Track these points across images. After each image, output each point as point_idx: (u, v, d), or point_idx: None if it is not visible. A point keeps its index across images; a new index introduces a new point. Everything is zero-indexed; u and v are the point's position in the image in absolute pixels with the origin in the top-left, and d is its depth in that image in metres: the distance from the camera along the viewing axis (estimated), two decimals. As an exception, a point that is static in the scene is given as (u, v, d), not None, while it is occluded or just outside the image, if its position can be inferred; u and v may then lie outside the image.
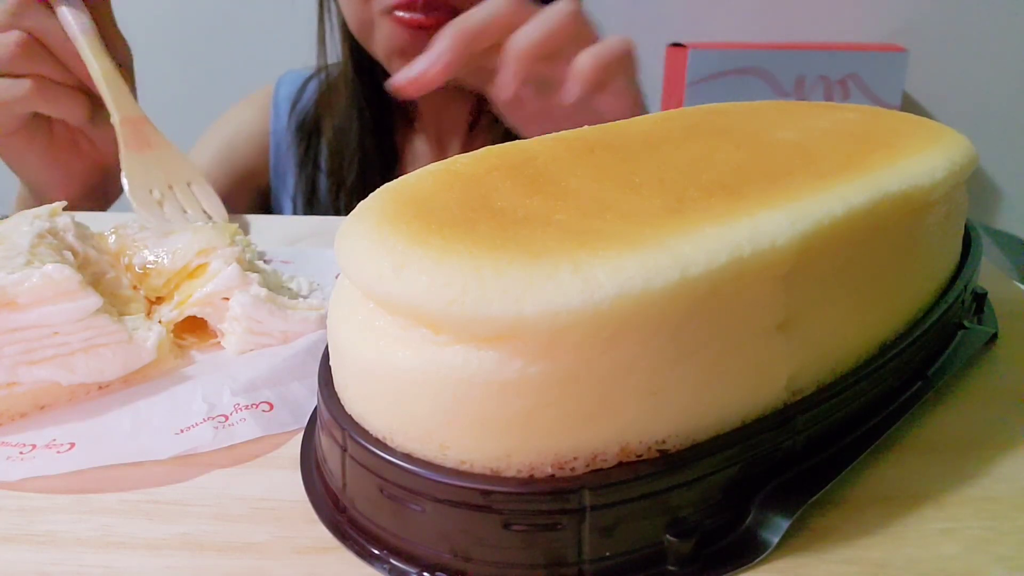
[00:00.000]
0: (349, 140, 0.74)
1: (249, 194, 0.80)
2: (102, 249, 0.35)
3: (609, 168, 0.26)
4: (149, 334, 0.31)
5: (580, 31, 0.47)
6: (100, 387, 0.31)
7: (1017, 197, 1.39)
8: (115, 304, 0.33)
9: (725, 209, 0.23)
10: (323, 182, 0.76)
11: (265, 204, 0.82)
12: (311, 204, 0.77)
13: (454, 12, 0.64)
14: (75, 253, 0.33)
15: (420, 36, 0.64)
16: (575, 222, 0.22)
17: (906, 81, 1.24)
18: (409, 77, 0.45)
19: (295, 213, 0.78)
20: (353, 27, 0.69)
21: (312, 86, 0.77)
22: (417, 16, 0.63)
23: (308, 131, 0.77)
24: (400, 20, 0.64)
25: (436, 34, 0.64)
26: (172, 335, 0.33)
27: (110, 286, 0.34)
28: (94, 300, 0.29)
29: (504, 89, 0.46)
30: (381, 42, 0.67)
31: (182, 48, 1.27)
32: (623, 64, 0.48)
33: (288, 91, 0.80)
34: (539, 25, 0.45)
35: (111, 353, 0.30)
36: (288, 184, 0.79)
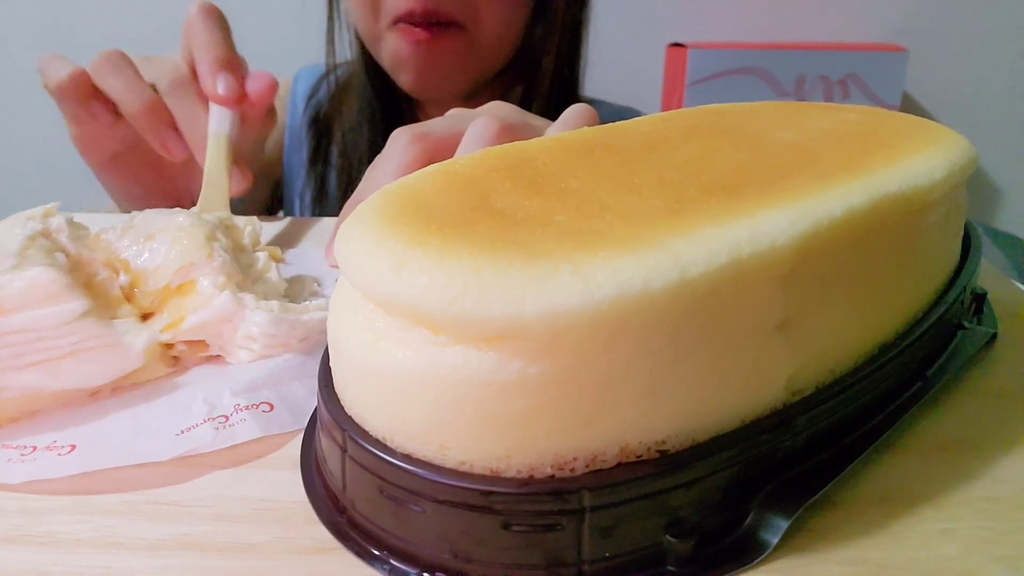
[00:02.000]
0: (360, 139, 0.74)
1: (264, 187, 0.81)
2: (96, 250, 0.35)
3: (609, 169, 0.26)
4: (138, 338, 0.31)
5: (515, 137, 0.42)
6: (90, 393, 0.30)
7: (1017, 197, 1.39)
8: (109, 306, 0.33)
9: (725, 209, 0.23)
10: (333, 179, 0.76)
11: (276, 198, 0.83)
12: (320, 201, 0.77)
13: (453, 26, 0.64)
14: (68, 254, 0.32)
15: (422, 50, 0.65)
16: (575, 223, 0.22)
17: (906, 81, 1.24)
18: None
19: (304, 209, 0.78)
20: (363, 38, 0.70)
21: (330, 81, 0.77)
22: (417, 30, 0.63)
23: (320, 128, 0.77)
24: (403, 31, 0.64)
25: (439, 48, 0.64)
26: (164, 346, 0.33)
27: (103, 287, 0.33)
28: (80, 303, 0.29)
29: None
30: (387, 54, 0.67)
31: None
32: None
33: (305, 86, 0.80)
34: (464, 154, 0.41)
35: (98, 358, 0.30)
36: (299, 179, 0.79)
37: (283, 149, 0.80)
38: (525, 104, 0.68)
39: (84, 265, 0.33)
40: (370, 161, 0.73)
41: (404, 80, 0.69)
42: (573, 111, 0.42)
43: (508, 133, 0.41)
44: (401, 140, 0.42)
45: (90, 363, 0.29)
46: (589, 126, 0.43)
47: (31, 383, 0.29)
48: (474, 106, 0.72)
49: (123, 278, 0.34)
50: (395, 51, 0.66)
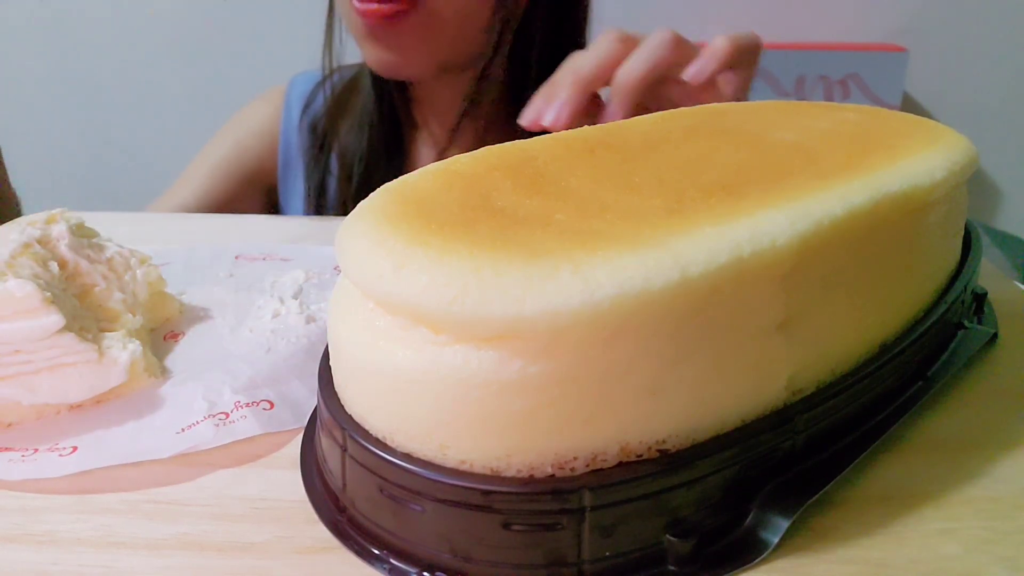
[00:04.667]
0: (361, 144, 0.74)
1: (258, 194, 0.80)
2: (96, 259, 0.34)
3: (609, 168, 0.26)
4: (123, 353, 0.30)
5: (681, 56, 0.50)
6: (71, 407, 0.30)
7: (1017, 197, 1.39)
8: (101, 317, 0.32)
9: (725, 209, 0.23)
10: (332, 184, 0.76)
11: (272, 203, 0.82)
12: (320, 206, 0.77)
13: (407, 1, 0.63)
14: (63, 264, 0.32)
15: (378, 26, 0.64)
16: (575, 222, 0.22)
17: (906, 81, 1.24)
18: (533, 120, 0.51)
19: (303, 214, 0.78)
20: (343, 21, 0.69)
21: (326, 88, 0.77)
22: (371, 5, 0.63)
23: (321, 133, 0.77)
24: (357, 10, 0.64)
25: (395, 25, 0.62)
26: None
27: (98, 299, 0.33)
28: (54, 320, 0.28)
29: (612, 119, 0.51)
30: (352, 30, 0.67)
31: (197, 46, 1.27)
32: (752, 57, 0.53)
33: (301, 91, 0.80)
34: (643, 58, 0.50)
35: (77, 374, 0.29)
36: (297, 185, 0.79)
37: (277, 156, 0.80)
38: (513, 89, 0.68)
39: (81, 275, 0.33)
40: (369, 165, 0.73)
41: (368, 56, 0.68)
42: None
43: (682, 44, 0.49)
44: (610, 36, 0.50)
45: (68, 379, 0.29)
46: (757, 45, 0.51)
47: (7, 395, 0.28)
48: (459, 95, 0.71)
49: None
50: (357, 28, 0.66)
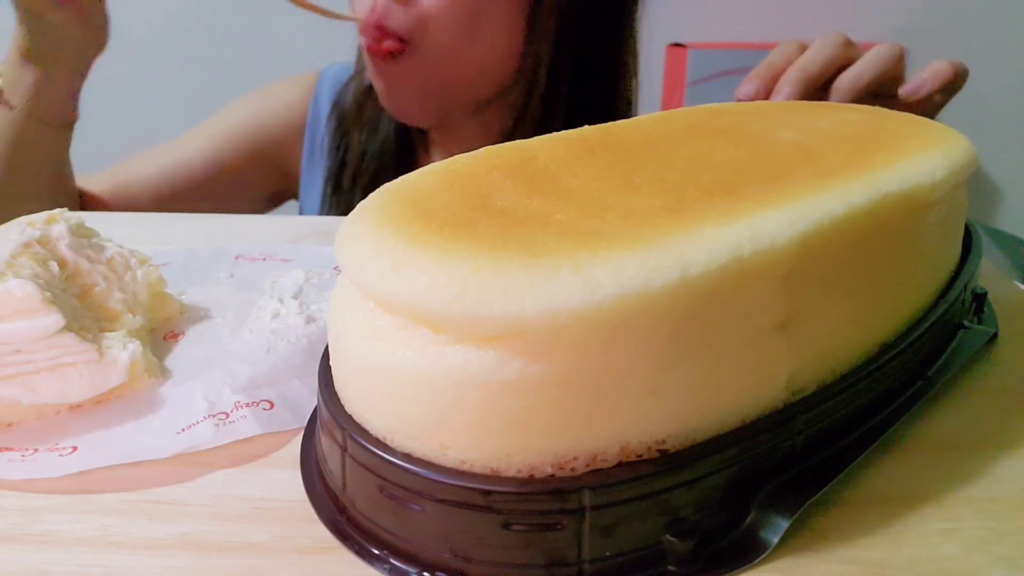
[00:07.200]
0: (378, 140, 0.74)
1: (265, 170, 0.80)
2: (96, 259, 0.34)
3: (609, 168, 0.26)
4: (123, 353, 0.30)
5: (901, 71, 0.53)
6: (71, 407, 0.30)
7: (1017, 197, 1.39)
8: (101, 317, 0.32)
9: (725, 209, 0.23)
10: (348, 178, 0.76)
11: (286, 187, 0.82)
12: (337, 196, 0.77)
13: (404, 45, 0.63)
14: (63, 264, 0.32)
15: (380, 69, 0.65)
16: (575, 222, 0.22)
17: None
18: (751, 99, 0.54)
19: (321, 202, 0.78)
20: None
21: (355, 83, 0.77)
22: (372, 43, 0.63)
23: (345, 126, 0.77)
24: (363, 45, 0.64)
25: (392, 69, 0.62)
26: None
27: (98, 299, 0.33)
28: (54, 320, 0.28)
29: None
30: (368, 71, 0.67)
31: (208, 45, 1.27)
32: (960, 85, 0.55)
33: (332, 83, 0.80)
34: (869, 67, 0.52)
35: (77, 374, 0.29)
36: (318, 173, 0.79)
37: (297, 139, 0.80)
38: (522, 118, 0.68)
39: (81, 275, 0.33)
40: (390, 164, 0.73)
41: (380, 98, 0.69)
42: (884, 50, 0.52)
43: (903, 60, 0.52)
44: (837, 39, 0.53)
45: (68, 379, 0.29)
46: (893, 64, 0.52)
47: (7, 395, 0.28)
48: (482, 124, 0.71)
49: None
50: (369, 69, 0.66)
